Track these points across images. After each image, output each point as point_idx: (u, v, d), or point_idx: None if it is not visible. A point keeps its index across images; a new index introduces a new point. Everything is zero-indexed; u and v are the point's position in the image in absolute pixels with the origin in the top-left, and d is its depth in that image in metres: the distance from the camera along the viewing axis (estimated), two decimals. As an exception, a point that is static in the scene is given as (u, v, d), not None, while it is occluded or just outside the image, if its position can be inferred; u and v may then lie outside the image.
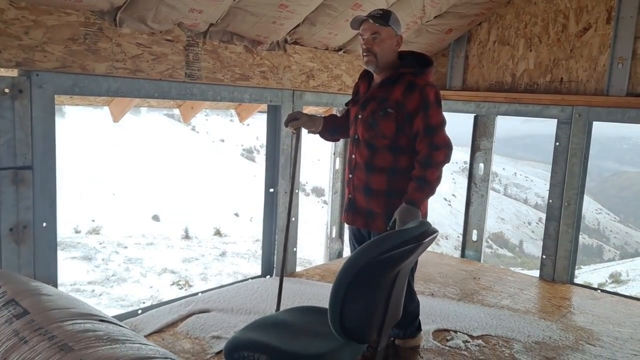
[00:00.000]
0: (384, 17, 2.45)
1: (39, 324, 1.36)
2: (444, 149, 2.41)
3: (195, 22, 2.99)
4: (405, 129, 2.45)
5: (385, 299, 1.77)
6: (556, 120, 4.15)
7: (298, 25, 3.54)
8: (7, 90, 2.38)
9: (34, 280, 1.84)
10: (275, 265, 4.01)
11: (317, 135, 2.83)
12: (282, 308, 2.83)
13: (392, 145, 2.47)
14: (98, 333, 1.33)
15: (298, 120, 2.69)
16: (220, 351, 2.72)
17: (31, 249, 2.54)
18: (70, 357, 1.17)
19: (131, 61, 2.81)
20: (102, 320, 1.48)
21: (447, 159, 2.43)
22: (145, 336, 2.86)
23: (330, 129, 2.78)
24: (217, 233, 18.23)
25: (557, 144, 4.15)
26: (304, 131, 2.79)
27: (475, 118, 4.77)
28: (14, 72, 2.47)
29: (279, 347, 1.74)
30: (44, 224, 2.59)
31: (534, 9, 4.26)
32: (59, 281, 2.75)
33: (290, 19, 3.34)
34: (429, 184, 2.41)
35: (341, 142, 4.64)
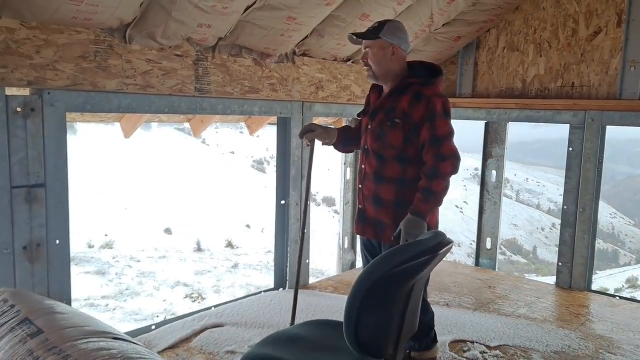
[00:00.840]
0: (374, 30, 2.47)
1: (53, 343, 1.35)
2: (451, 159, 2.38)
3: (204, 37, 3.01)
4: (413, 140, 2.43)
5: (401, 313, 1.74)
6: (569, 125, 4.10)
7: (306, 37, 3.55)
8: (19, 109, 2.40)
9: (48, 298, 1.84)
10: (288, 278, 3.98)
11: (332, 147, 2.83)
12: (296, 321, 2.81)
13: (400, 155, 2.46)
14: (112, 352, 1.32)
15: (313, 133, 2.70)
16: (235, 366, 2.70)
17: (45, 267, 2.55)
18: (85, 378, 1.17)
19: (141, 77, 2.83)
20: (116, 338, 1.47)
21: (454, 169, 2.40)
22: (159, 352, 2.85)
23: (344, 140, 2.77)
24: (229, 245, 18.24)
25: (571, 149, 4.10)
26: (318, 143, 2.79)
27: (487, 125, 4.73)
28: (26, 91, 2.49)
29: (295, 363, 1.72)
30: (58, 242, 2.59)
31: (543, 15, 4.24)
32: (73, 296, 2.76)
33: (299, 31, 3.35)
34: (435, 195, 2.38)
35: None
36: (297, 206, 3.93)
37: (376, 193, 2.53)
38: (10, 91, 2.43)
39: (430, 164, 2.38)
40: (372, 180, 2.55)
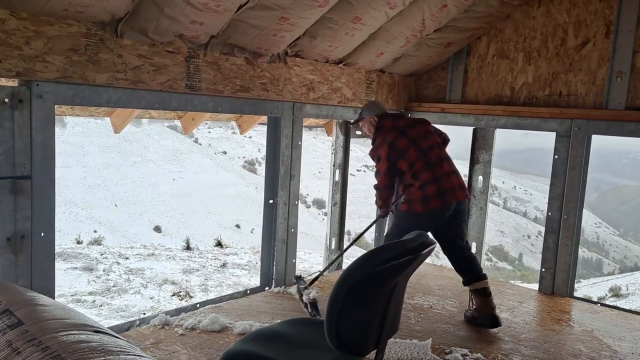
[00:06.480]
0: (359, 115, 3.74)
1: (33, 334, 1.35)
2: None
3: (197, 34, 3.01)
4: None
5: (383, 311, 1.76)
6: (555, 133, 4.15)
7: (299, 38, 3.56)
8: (7, 100, 2.39)
9: (31, 290, 1.83)
10: (274, 277, 3.99)
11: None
12: (281, 319, 2.81)
13: None
14: (92, 344, 1.32)
15: None
16: (217, 363, 2.70)
17: (28, 259, 2.53)
18: (63, 368, 1.17)
19: (132, 72, 2.82)
20: (97, 331, 1.47)
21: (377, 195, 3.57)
22: (142, 347, 2.84)
23: None
24: (218, 244, 18.16)
25: (556, 157, 4.15)
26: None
27: (475, 131, 4.77)
28: (14, 82, 2.48)
29: (275, 360, 1.73)
30: (42, 234, 2.58)
31: (533, 23, 4.29)
32: (60, 291, 2.75)
33: (291, 31, 3.36)
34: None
35: (340, 154, 4.66)
36: (285, 205, 3.94)
37: None
38: (-2, 81, 2.42)
39: None
40: None
